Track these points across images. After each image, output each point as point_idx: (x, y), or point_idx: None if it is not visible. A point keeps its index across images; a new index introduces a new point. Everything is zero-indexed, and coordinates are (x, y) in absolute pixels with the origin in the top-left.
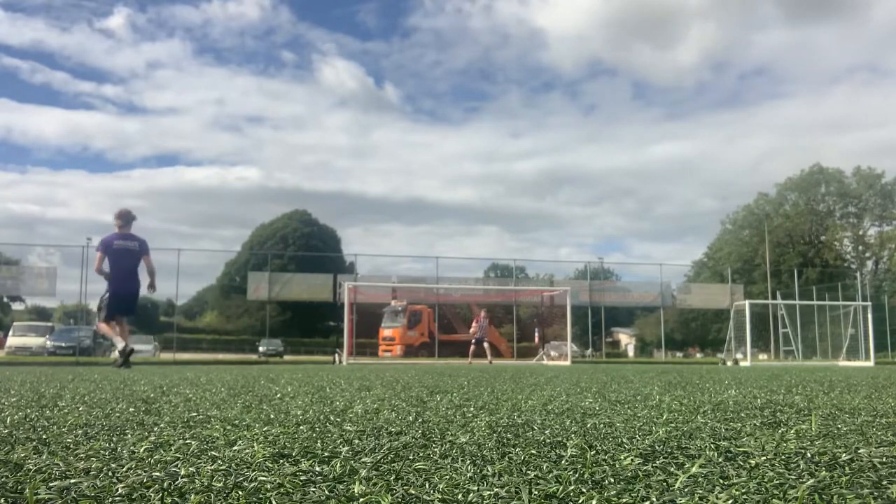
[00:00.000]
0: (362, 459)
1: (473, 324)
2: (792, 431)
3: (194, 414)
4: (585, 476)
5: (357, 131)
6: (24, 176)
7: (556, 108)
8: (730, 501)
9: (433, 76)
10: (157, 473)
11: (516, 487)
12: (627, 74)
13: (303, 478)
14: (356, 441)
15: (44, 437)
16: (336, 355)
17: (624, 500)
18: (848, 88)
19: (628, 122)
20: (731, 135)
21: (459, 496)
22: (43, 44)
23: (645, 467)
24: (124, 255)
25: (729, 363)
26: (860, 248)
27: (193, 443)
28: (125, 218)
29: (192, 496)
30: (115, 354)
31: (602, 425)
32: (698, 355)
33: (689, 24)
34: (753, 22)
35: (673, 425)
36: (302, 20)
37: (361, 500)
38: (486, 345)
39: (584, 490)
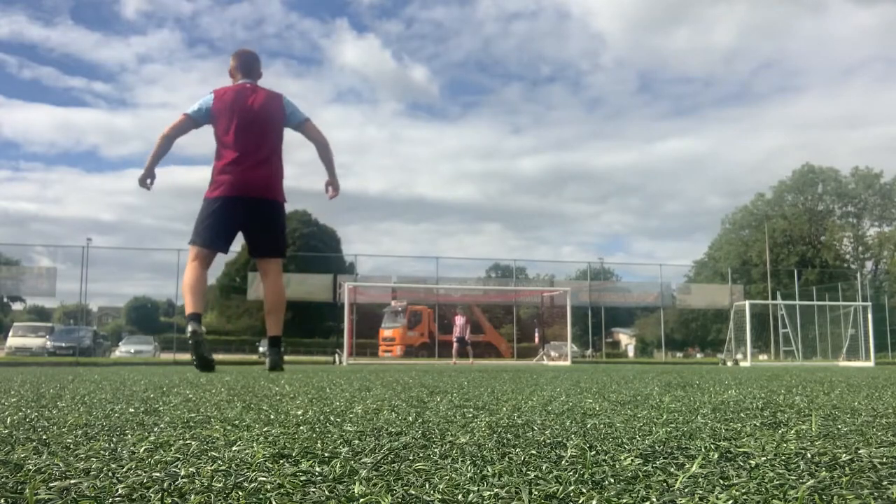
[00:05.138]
0: (362, 460)
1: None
2: (792, 432)
3: (194, 414)
4: (585, 476)
5: (355, 126)
6: (16, 173)
7: (558, 103)
8: (730, 502)
9: (432, 68)
10: (157, 473)
11: (516, 488)
12: (633, 66)
13: (303, 478)
14: (356, 441)
15: (44, 437)
16: (336, 355)
17: (624, 500)
18: (863, 82)
19: (634, 117)
20: (740, 130)
21: (459, 496)
22: (28, 38)
23: (645, 467)
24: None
25: (729, 363)
26: (860, 248)
27: (193, 443)
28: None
29: (192, 496)
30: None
31: (602, 425)
32: (698, 355)
33: (700, 14)
34: (772, 12)
35: (673, 425)
36: (293, 10)
37: (361, 500)
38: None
39: (584, 490)
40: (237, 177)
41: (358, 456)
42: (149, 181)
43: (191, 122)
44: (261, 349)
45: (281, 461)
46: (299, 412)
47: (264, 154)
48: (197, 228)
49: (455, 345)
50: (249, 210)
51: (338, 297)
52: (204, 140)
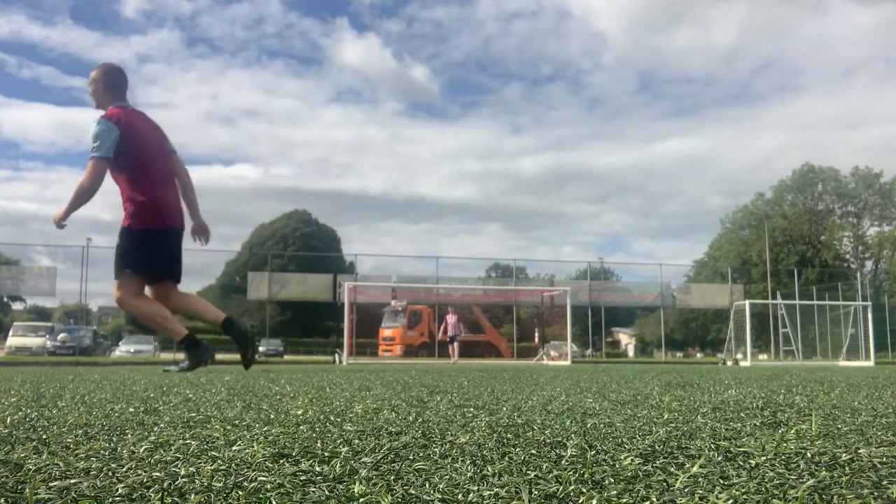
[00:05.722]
0: (362, 459)
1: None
2: (792, 431)
3: (194, 414)
4: (585, 476)
5: (355, 126)
6: (15, 173)
7: (558, 103)
8: (730, 501)
9: (432, 68)
10: (157, 473)
11: (516, 487)
12: (633, 65)
13: (303, 478)
14: (356, 441)
15: (44, 437)
16: (336, 355)
17: (624, 500)
18: (863, 82)
19: (634, 117)
20: (740, 130)
21: (459, 496)
22: (27, 37)
23: (645, 467)
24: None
25: (729, 363)
26: (860, 248)
27: (193, 443)
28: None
29: (192, 496)
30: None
31: (602, 425)
32: (698, 355)
33: (701, 14)
34: (772, 12)
35: (673, 425)
36: (293, 9)
37: (361, 500)
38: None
39: (584, 490)
40: (165, 206)
41: (358, 456)
42: (64, 224)
43: (108, 163)
44: (261, 349)
45: (281, 461)
46: (299, 412)
47: (173, 182)
48: (141, 259)
49: (450, 345)
50: (177, 238)
51: (338, 297)
52: (204, 139)
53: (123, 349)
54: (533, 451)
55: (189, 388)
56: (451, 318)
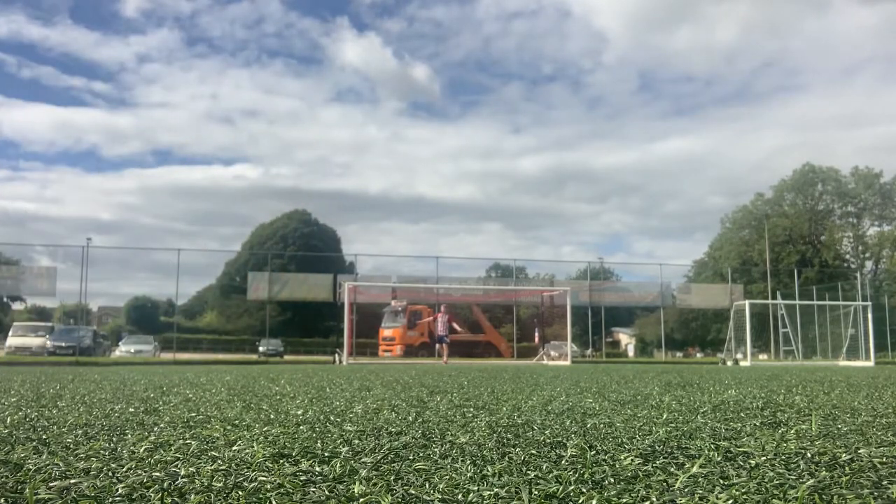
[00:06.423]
0: (362, 459)
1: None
2: (792, 431)
3: (194, 414)
4: (585, 476)
5: (355, 125)
6: (15, 173)
7: (558, 102)
8: (730, 501)
9: (432, 67)
10: (157, 473)
11: (516, 487)
12: (634, 64)
13: (303, 478)
14: (356, 441)
15: (44, 437)
16: (336, 355)
17: (624, 500)
18: (864, 81)
19: (635, 117)
20: (741, 130)
21: (459, 496)
22: (27, 37)
23: (645, 467)
24: None
25: (729, 363)
26: (860, 248)
27: (193, 443)
28: None
29: (192, 496)
30: None
31: (602, 425)
32: (698, 355)
33: (702, 12)
34: (774, 10)
35: (673, 425)
36: (292, 9)
37: (361, 500)
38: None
39: (584, 490)
40: None
41: (358, 456)
42: None
43: None
44: (261, 349)
45: (281, 461)
46: (299, 412)
47: None
48: None
49: (438, 344)
50: None
51: (338, 297)
52: (202, 139)
53: (123, 349)
54: (533, 451)
55: (189, 388)
56: (440, 317)
